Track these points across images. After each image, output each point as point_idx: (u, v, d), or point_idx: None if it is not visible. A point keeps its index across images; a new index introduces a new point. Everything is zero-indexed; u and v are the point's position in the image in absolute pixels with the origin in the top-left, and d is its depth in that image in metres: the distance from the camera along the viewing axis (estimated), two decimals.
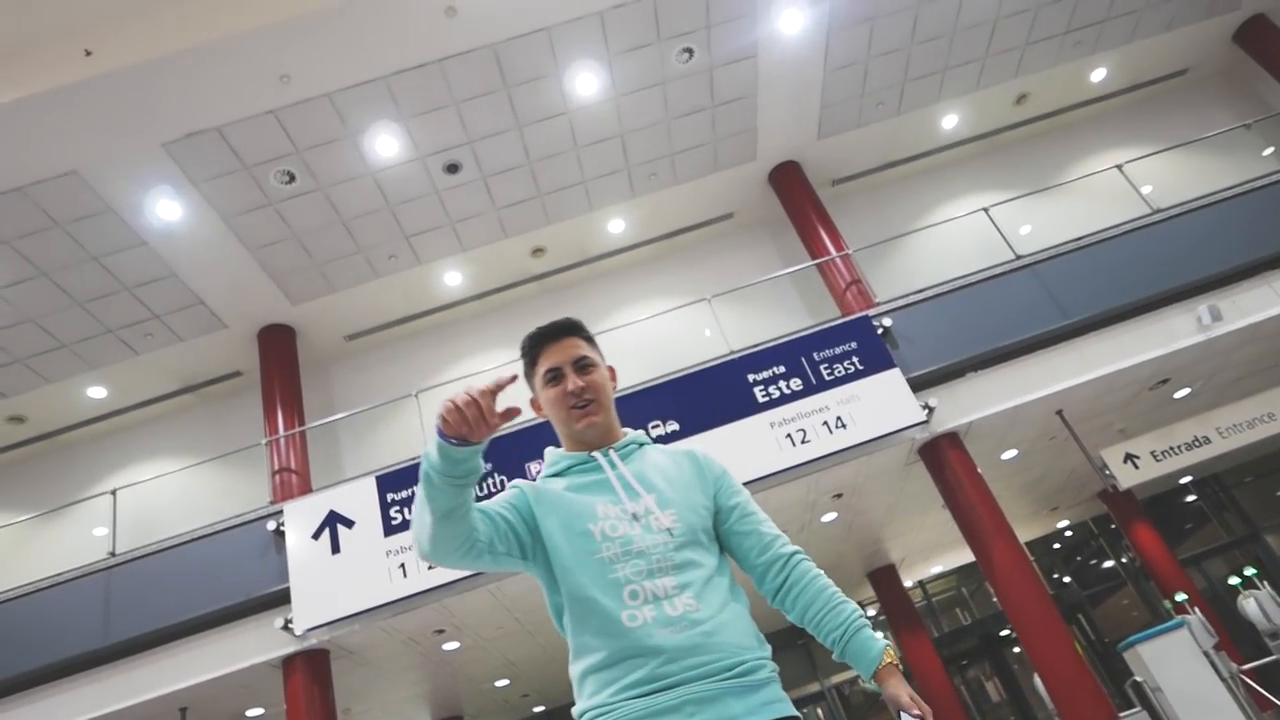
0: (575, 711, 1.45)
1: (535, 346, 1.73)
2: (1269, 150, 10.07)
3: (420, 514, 1.43)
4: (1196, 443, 7.86)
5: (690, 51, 8.33)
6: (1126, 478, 7.73)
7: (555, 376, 1.67)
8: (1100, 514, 12.84)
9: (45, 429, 10.18)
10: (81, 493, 9.58)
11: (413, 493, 7.10)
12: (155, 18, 6.84)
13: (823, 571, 1.62)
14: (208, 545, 7.47)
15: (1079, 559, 14.52)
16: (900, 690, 1.47)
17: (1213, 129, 9.98)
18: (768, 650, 1.49)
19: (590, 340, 1.75)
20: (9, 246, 7.81)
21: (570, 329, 1.74)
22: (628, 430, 1.77)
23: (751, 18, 8.19)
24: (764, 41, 8.48)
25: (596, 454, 1.67)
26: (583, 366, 1.68)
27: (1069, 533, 14.06)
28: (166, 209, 7.97)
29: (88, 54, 6.75)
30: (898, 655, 1.54)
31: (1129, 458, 7.81)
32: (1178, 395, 8.61)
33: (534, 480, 1.69)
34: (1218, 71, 11.18)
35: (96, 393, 9.96)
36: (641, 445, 1.74)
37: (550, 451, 1.76)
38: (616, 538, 1.50)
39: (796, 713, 1.43)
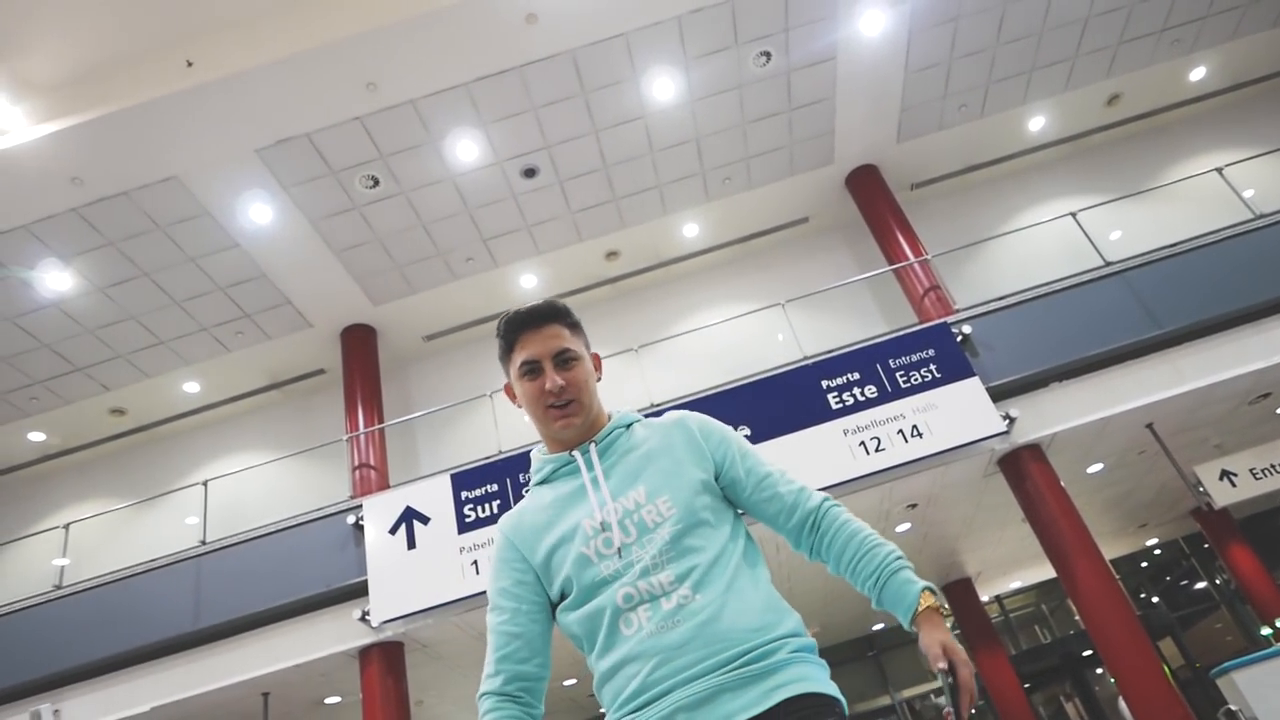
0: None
1: (512, 332, 1.57)
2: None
3: None
4: None
5: (768, 55, 8.28)
6: (1222, 496, 7.37)
7: (532, 370, 1.53)
8: (1193, 533, 12.26)
9: (143, 421, 10.71)
10: (175, 483, 10.06)
11: (485, 491, 7.23)
12: (252, 29, 7.14)
13: (854, 516, 1.51)
14: (291, 536, 7.75)
15: (1169, 579, 13.88)
16: (933, 638, 1.29)
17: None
18: (791, 622, 1.35)
19: (575, 327, 1.61)
20: (115, 248, 8.26)
21: (552, 314, 1.58)
22: (613, 413, 1.64)
23: (831, 20, 8.10)
24: (843, 43, 8.37)
25: (575, 454, 1.55)
26: (563, 361, 1.54)
27: (1158, 551, 13.46)
28: (258, 212, 8.30)
29: (189, 64, 7.09)
30: (940, 600, 1.36)
31: (1225, 475, 7.44)
32: None
33: (521, 493, 1.62)
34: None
35: (191, 387, 10.44)
36: (629, 427, 1.61)
37: (534, 455, 1.65)
38: (610, 552, 1.40)
39: (824, 689, 1.28)
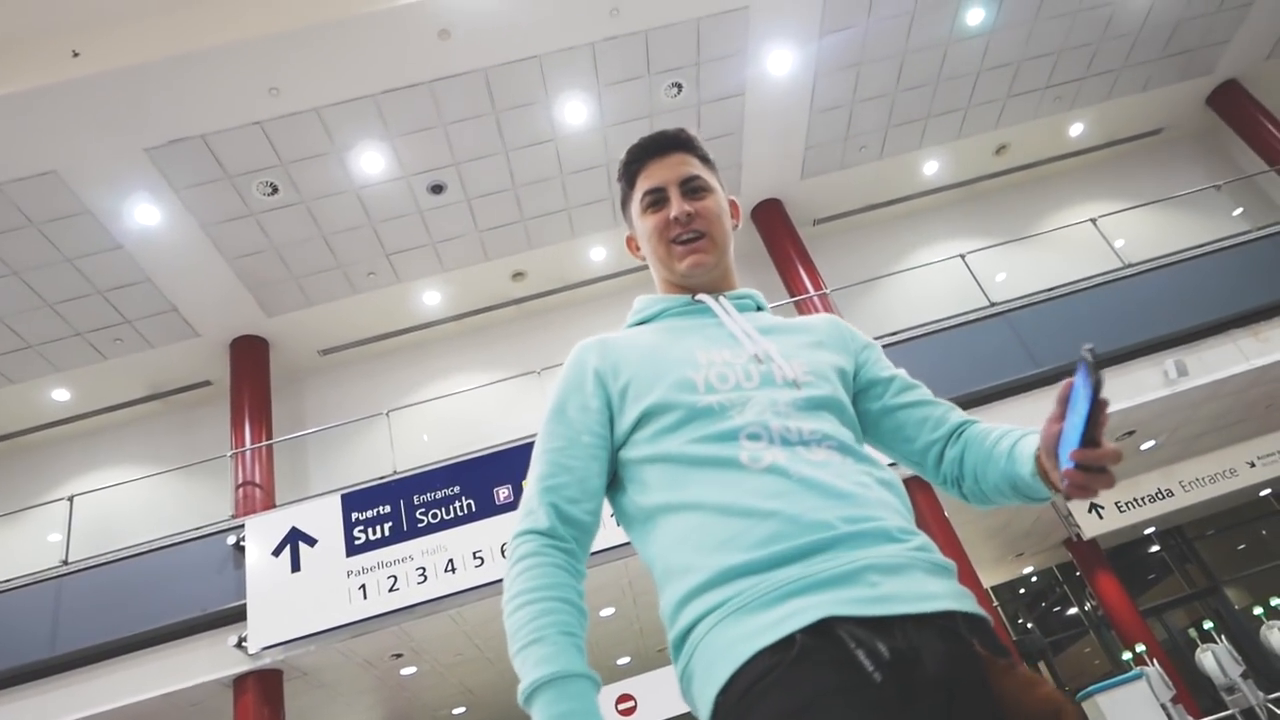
0: (668, 604, 1.03)
1: (635, 161, 1.37)
2: (1238, 211, 10.35)
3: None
4: (1160, 495, 7.98)
5: (679, 86, 8.44)
6: (1091, 527, 7.82)
7: (657, 200, 1.33)
8: (1065, 561, 12.93)
9: (5, 430, 9.97)
10: (38, 497, 9.37)
11: (377, 513, 7.01)
12: (147, 22, 6.82)
13: None
14: (165, 557, 7.31)
15: (1043, 605, 14.59)
16: None
17: (1185, 188, 10.24)
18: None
19: (708, 161, 1.38)
20: None
21: (681, 143, 1.36)
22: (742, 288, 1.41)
23: (741, 57, 8.32)
24: (752, 81, 8.61)
25: (704, 296, 1.32)
26: (693, 190, 1.32)
27: (1034, 579, 14.14)
28: (145, 214, 7.89)
29: (75, 55, 6.71)
30: None
31: (1094, 507, 7.90)
32: (1144, 447, 8.74)
33: (609, 335, 1.30)
34: (1191, 132, 11.49)
35: (60, 395, 9.78)
36: (760, 308, 1.38)
37: (639, 299, 1.40)
38: (727, 386, 1.15)
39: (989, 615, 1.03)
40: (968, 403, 7.45)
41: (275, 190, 8.14)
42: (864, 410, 1.29)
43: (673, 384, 1.15)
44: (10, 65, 6.72)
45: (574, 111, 8.33)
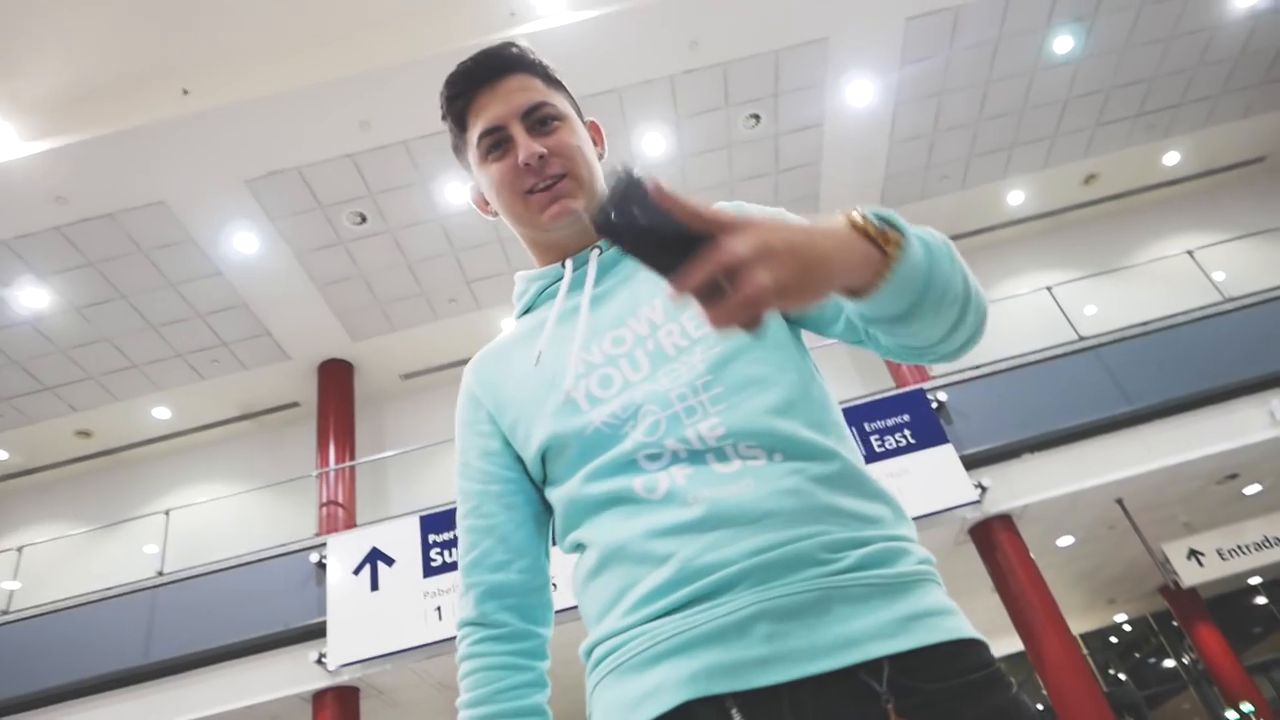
0: (581, 650, 0.90)
1: (459, 95, 1.07)
2: None
3: None
4: (1266, 543, 7.52)
5: (757, 117, 8.47)
6: (1190, 575, 7.41)
7: (498, 143, 1.04)
8: (1161, 610, 12.27)
9: (109, 445, 10.52)
10: (137, 510, 9.84)
11: (453, 535, 7.13)
12: (251, 62, 7.21)
13: None
14: (251, 572, 7.57)
15: (1137, 656, 13.85)
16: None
17: None
18: (908, 525, 0.89)
19: (551, 80, 1.10)
20: (95, 269, 8.19)
21: (513, 61, 1.07)
22: None
23: (820, 88, 8.31)
24: (831, 111, 8.58)
25: (567, 262, 1.07)
26: (541, 121, 1.04)
27: (1127, 627, 13.46)
28: (243, 242, 8.29)
29: (185, 93, 7.14)
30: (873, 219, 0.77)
31: (1193, 554, 7.50)
32: (1247, 491, 8.26)
33: (488, 350, 1.11)
34: None
35: (161, 413, 10.28)
36: None
37: (517, 279, 1.16)
38: (612, 391, 0.93)
39: (978, 635, 0.81)
40: (1057, 440, 7.18)
41: (364, 219, 8.46)
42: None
43: (556, 409, 0.95)
44: (127, 103, 7.18)
45: (652, 143, 8.44)
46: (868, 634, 0.74)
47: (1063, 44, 8.51)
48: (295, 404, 10.57)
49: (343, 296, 9.30)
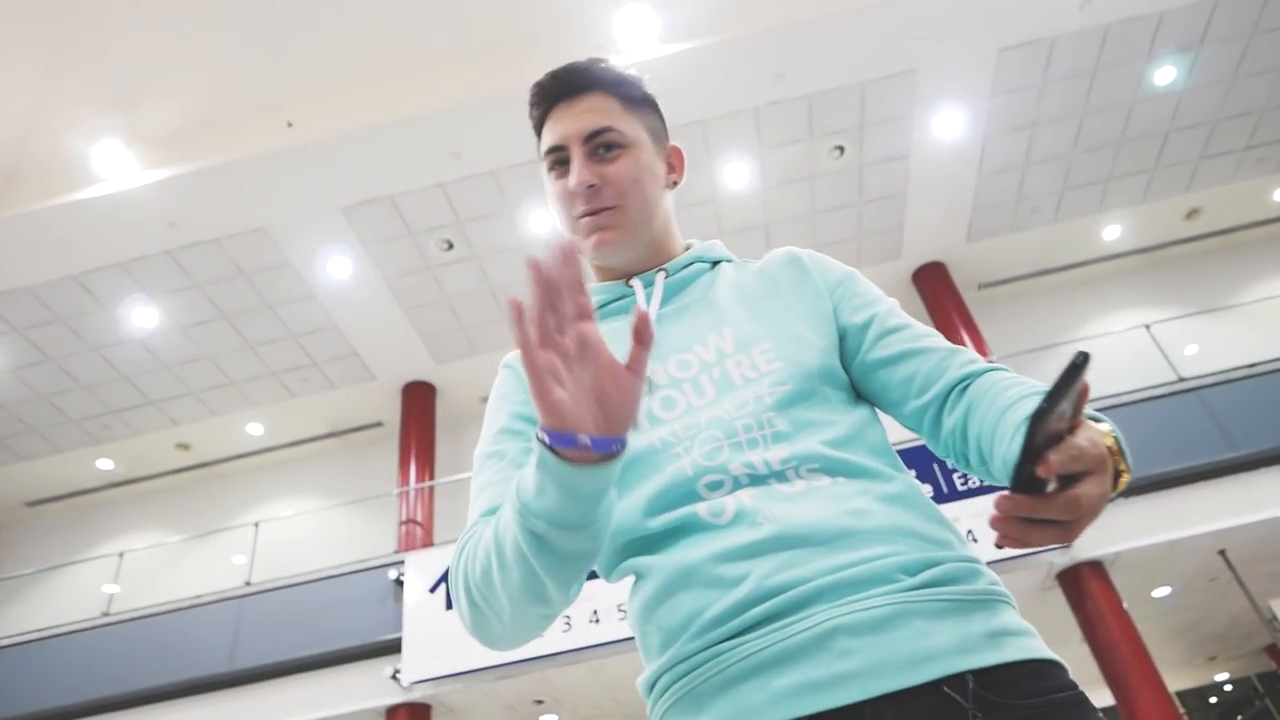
0: (640, 682, 0.88)
1: (538, 105, 1.10)
2: None
3: (489, 594, 0.83)
4: None
5: (842, 149, 8.42)
6: None
7: (560, 162, 1.06)
8: (1267, 670, 11.50)
9: (206, 458, 11.01)
10: (228, 521, 10.26)
11: None
12: (350, 96, 7.56)
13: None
14: (332, 586, 7.79)
15: (1239, 718, 12.98)
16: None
17: None
18: (974, 551, 0.85)
19: (632, 100, 1.08)
20: (200, 290, 8.64)
21: (593, 79, 1.07)
22: (694, 243, 1.15)
23: (907, 119, 8.21)
24: (918, 143, 8.47)
25: (635, 282, 1.07)
26: (604, 145, 1.03)
27: (1229, 687, 12.64)
28: (337, 266, 8.63)
29: (289, 125, 7.52)
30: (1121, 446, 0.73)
31: None
32: None
33: None
34: None
35: (254, 429, 10.72)
36: (715, 264, 1.12)
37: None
38: (675, 413, 0.92)
39: (1055, 656, 0.78)
40: (1153, 485, 6.85)
41: (451, 246, 8.71)
42: (849, 367, 1.00)
43: None
44: (236, 135, 7.61)
45: (735, 173, 8.47)
46: (949, 649, 0.72)
47: (1165, 75, 8.22)
48: (379, 424, 10.88)
49: (428, 320, 9.57)
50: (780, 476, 0.85)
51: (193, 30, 6.98)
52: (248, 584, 8.11)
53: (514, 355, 1.09)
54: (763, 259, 1.11)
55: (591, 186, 1.01)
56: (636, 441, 0.91)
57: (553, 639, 6.69)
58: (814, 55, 7.45)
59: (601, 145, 1.03)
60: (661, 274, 1.06)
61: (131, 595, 8.81)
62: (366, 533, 9.57)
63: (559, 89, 1.07)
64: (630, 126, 1.06)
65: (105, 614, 8.27)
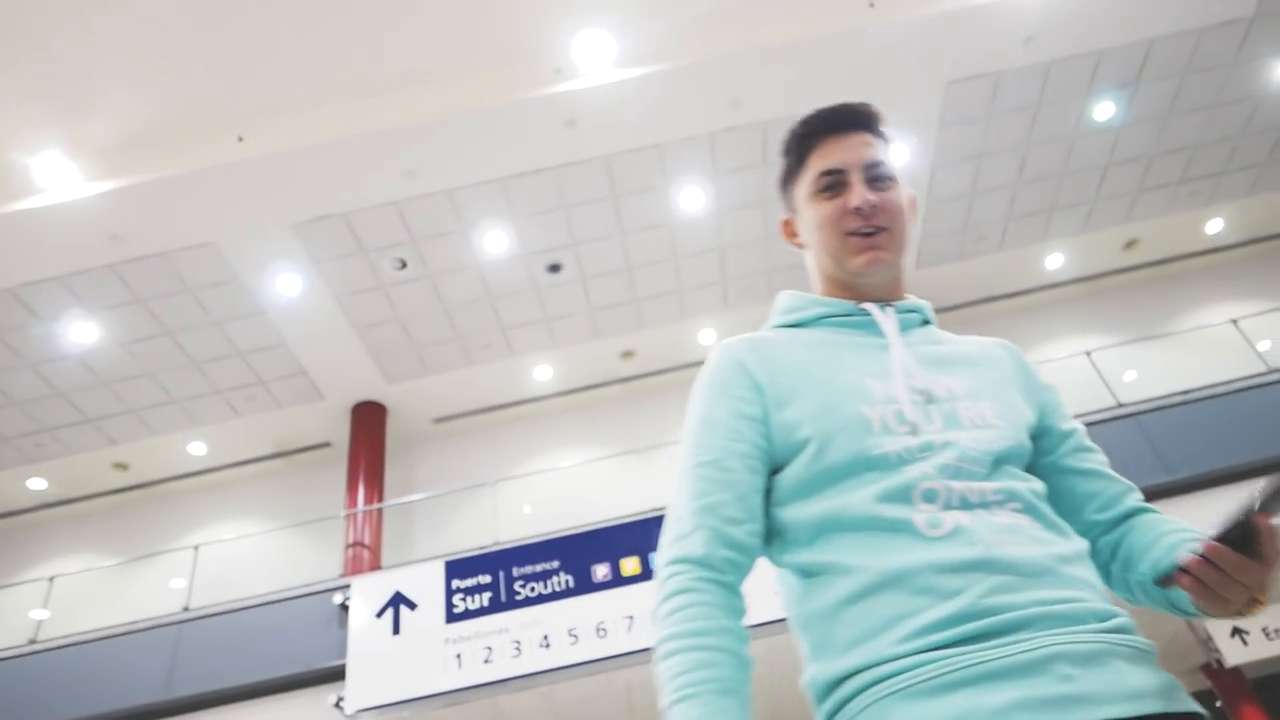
0: (818, 678, 0.91)
1: (811, 135, 1.18)
2: None
3: (662, 633, 0.93)
4: None
5: None
6: (1234, 654, 7.13)
7: (834, 185, 1.14)
8: (1203, 689, 11.77)
9: (144, 479, 10.67)
10: (167, 544, 9.93)
11: (477, 582, 7.10)
12: (305, 111, 7.46)
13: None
14: (275, 611, 7.58)
15: None
16: None
17: None
18: None
19: (889, 146, 1.20)
20: (143, 305, 8.42)
21: (868, 120, 1.18)
22: (909, 296, 1.21)
23: None
24: None
25: (870, 306, 1.13)
26: (878, 178, 1.14)
27: None
28: (287, 283, 8.48)
29: (240, 139, 7.39)
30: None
31: (1237, 632, 7.22)
32: None
33: (760, 335, 1.13)
34: None
35: (197, 449, 10.43)
36: (927, 322, 1.19)
37: (788, 295, 1.21)
38: (905, 430, 0.98)
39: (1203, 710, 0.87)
40: None
41: (405, 265, 8.62)
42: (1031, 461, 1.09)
43: (845, 420, 0.99)
44: (185, 147, 7.45)
45: (690, 197, 8.54)
46: (1145, 691, 0.81)
47: (1104, 110, 8.53)
48: (327, 444, 10.67)
49: (379, 340, 9.44)
50: (988, 506, 0.93)
51: (141, 40, 6.84)
52: (186, 609, 7.85)
53: (738, 341, 1.13)
54: (972, 338, 1.21)
55: (876, 206, 1.11)
56: (866, 443, 0.97)
57: (502, 665, 6.59)
58: (769, 83, 7.58)
59: (877, 176, 1.14)
60: (891, 309, 1.14)
61: (62, 621, 8.46)
62: (312, 556, 9.35)
63: (835, 121, 1.17)
64: (893, 168, 1.17)
65: (33, 641, 7.92)
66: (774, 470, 1.02)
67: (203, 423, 10.05)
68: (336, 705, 6.77)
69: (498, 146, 7.67)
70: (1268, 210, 10.28)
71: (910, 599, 0.85)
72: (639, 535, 7.06)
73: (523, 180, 8.02)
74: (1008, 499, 0.94)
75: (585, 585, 6.88)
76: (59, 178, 7.35)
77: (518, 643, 6.64)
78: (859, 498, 0.94)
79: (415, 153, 7.56)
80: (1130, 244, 10.41)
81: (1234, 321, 8.42)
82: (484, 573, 7.14)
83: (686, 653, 0.88)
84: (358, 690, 6.75)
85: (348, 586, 7.41)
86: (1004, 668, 0.79)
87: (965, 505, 0.92)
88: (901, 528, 0.90)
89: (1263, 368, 7.89)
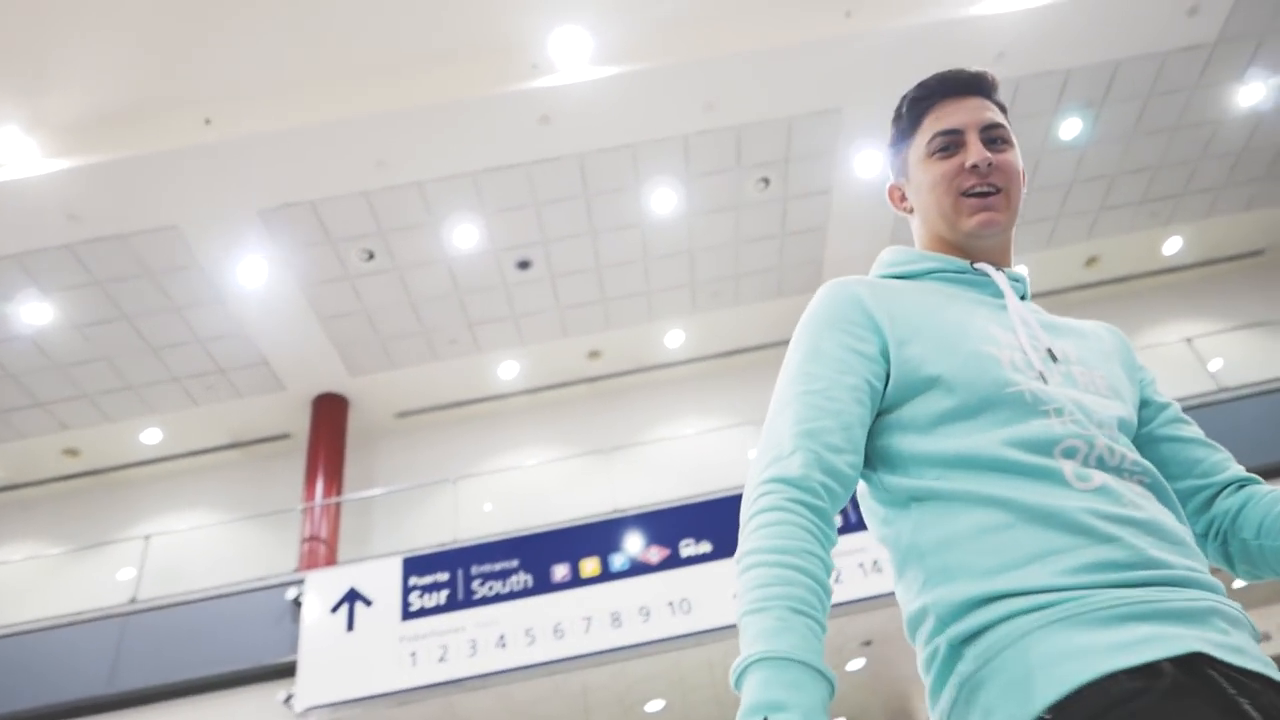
0: (941, 602, 0.88)
1: (926, 98, 1.18)
2: None
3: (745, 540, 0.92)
4: None
5: (767, 181, 8.59)
6: None
7: (949, 145, 1.13)
8: None
9: (96, 465, 10.42)
10: (117, 533, 9.71)
11: (435, 580, 7.03)
12: (276, 96, 7.34)
13: None
14: (226, 605, 7.44)
15: None
16: None
17: None
18: None
19: (1005, 113, 1.19)
20: (100, 288, 8.22)
21: (985, 86, 1.17)
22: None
23: (830, 157, 8.45)
24: (840, 180, 8.71)
25: (985, 266, 1.13)
26: (995, 139, 1.13)
27: None
28: (251, 270, 8.33)
29: (207, 122, 7.25)
30: None
31: None
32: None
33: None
34: None
35: (151, 436, 10.21)
36: (1025, 296, 1.18)
37: (894, 249, 1.21)
38: (1032, 376, 0.99)
39: None
40: None
41: (372, 256, 8.51)
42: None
43: (975, 357, 0.98)
44: (150, 127, 7.29)
45: (662, 199, 8.54)
46: (1268, 661, 0.83)
47: (1070, 129, 8.68)
48: (286, 435, 10.50)
49: (344, 331, 9.31)
50: (1121, 473, 0.94)
51: (107, 16, 6.67)
52: (134, 600, 7.67)
53: (853, 279, 1.11)
54: (1074, 318, 1.22)
55: (990, 164, 1.10)
56: (999, 377, 0.97)
57: (457, 664, 6.54)
58: (744, 88, 7.61)
59: (995, 138, 1.13)
60: (1003, 274, 1.14)
61: (4, 610, 8.23)
62: (267, 550, 9.19)
63: (954, 84, 1.16)
64: (1011, 132, 1.17)
65: None
66: (883, 411, 1.01)
67: (158, 410, 9.84)
68: (285, 703, 6.67)
69: (471, 140, 7.60)
70: (1223, 232, 10.55)
71: (1067, 536, 0.85)
72: (599, 537, 7.05)
73: (495, 175, 7.96)
74: (1141, 471, 0.95)
75: (544, 585, 6.85)
76: (16, 154, 7.15)
77: (474, 642, 6.59)
78: (994, 440, 0.93)
79: (386, 143, 7.48)
80: (1091, 261, 10.61)
81: (1188, 340, 8.61)
82: (442, 570, 7.08)
83: (767, 568, 0.86)
84: (308, 687, 6.65)
85: (302, 581, 7.30)
86: (1177, 610, 0.81)
87: (1102, 465, 0.93)
88: (1048, 475, 0.90)
89: (1213, 386, 8.08)
